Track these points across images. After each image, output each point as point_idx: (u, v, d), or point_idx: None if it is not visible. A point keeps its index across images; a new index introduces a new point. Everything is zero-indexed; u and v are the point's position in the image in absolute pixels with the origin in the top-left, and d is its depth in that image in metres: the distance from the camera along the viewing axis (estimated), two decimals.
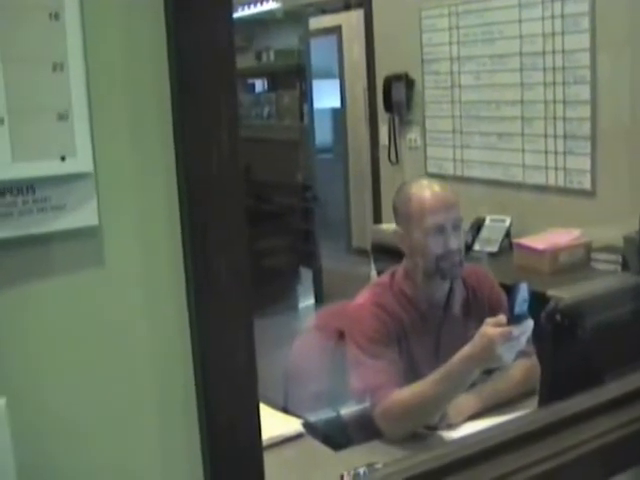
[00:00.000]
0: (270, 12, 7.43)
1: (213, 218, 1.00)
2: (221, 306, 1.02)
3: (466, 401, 2.41)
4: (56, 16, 0.86)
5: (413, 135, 5.97)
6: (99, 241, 0.94)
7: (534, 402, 2.19)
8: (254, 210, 6.47)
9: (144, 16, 0.94)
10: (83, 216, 0.92)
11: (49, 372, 0.93)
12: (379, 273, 4.37)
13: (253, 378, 1.07)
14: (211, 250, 1.00)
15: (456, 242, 2.47)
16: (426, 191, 2.51)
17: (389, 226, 3.62)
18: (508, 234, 4.78)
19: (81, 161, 0.90)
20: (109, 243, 0.94)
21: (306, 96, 7.02)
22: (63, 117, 0.88)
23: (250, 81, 8.14)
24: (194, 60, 0.96)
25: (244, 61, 7.54)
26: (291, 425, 2.42)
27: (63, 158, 0.89)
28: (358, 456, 2.23)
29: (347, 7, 7.27)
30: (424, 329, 2.53)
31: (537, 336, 2.21)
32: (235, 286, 1.03)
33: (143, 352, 0.99)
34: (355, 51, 7.33)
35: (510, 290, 2.21)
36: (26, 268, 0.90)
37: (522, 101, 4.89)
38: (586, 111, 4.48)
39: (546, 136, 4.77)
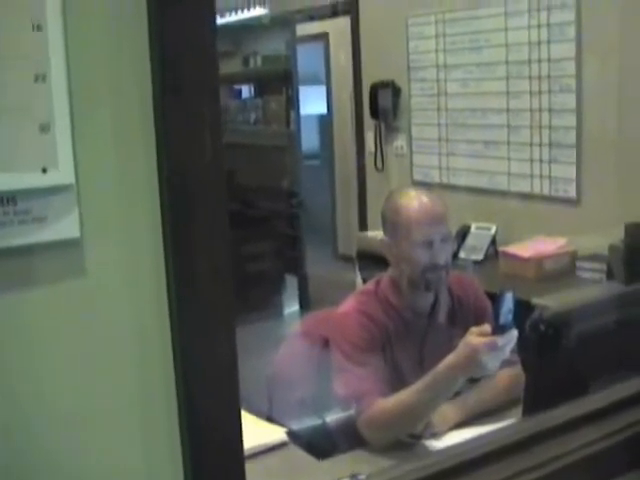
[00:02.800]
0: (257, 18, 7.43)
1: (195, 226, 1.00)
2: (202, 313, 1.02)
3: (450, 410, 2.40)
4: (38, 27, 0.86)
5: (399, 142, 5.97)
6: (81, 252, 0.93)
7: (518, 411, 2.19)
8: (240, 216, 6.46)
9: (127, 26, 0.93)
10: (64, 228, 0.91)
11: (30, 381, 0.93)
12: (364, 280, 4.37)
13: (234, 383, 1.07)
14: (193, 258, 1.00)
15: (443, 257, 2.46)
16: (414, 203, 2.48)
17: (375, 233, 3.62)
18: (494, 242, 4.78)
19: (63, 173, 0.89)
20: (91, 254, 0.94)
21: (293, 102, 7.02)
22: (45, 129, 0.88)
23: (237, 87, 8.13)
24: (176, 66, 0.96)
25: (231, 66, 7.54)
26: (275, 434, 2.41)
27: (45, 170, 0.89)
28: (342, 465, 2.23)
29: (334, 14, 7.27)
30: (409, 337, 2.53)
31: (522, 345, 2.21)
32: (217, 292, 1.03)
33: (125, 359, 1.00)
34: (342, 58, 7.33)
35: (495, 300, 2.20)
36: (7, 279, 0.90)
37: (508, 109, 4.90)
38: (572, 120, 4.50)
39: (532, 144, 4.78)
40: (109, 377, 0.99)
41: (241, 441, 1.09)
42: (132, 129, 0.95)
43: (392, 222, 2.54)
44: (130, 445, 1.02)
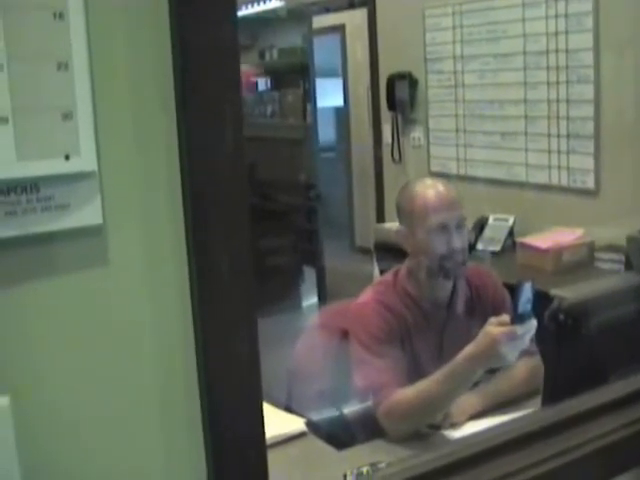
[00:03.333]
0: (274, 11, 7.43)
1: (217, 216, 1.00)
2: (224, 304, 1.02)
3: (469, 400, 2.41)
4: (60, 16, 0.86)
5: (416, 134, 5.96)
6: (103, 240, 0.94)
7: (537, 402, 2.19)
8: (257, 209, 6.47)
9: (148, 15, 0.94)
10: (87, 215, 0.92)
11: (52, 371, 0.93)
12: (382, 272, 4.37)
13: (256, 376, 1.07)
14: (215, 249, 1.00)
15: (459, 241, 2.47)
16: (429, 190, 2.51)
17: (392, 225, 3.62)
18: (511, 233, 4.78)
19: (85, 160, 0.90)
20: (113, 242, 0.94)
21: (309, 95, 7.01)
22: (67, 116, 0.88)
23: (253, 79, 8.13)
24: (198, 59, 0.96)
25: (247, 60, 7.54)
26: (294, 424, 2.42)
27: (67, 157, 0.89)
28: (361, 455, 2.23)
29: (351, 6, 7.27)
30: (427, 328, 2.53)
31: (540, 335, 2.21)
32: (238, 284, 1.03)
33: (146, 351, 0.99)
34: (358, 50, 7.33)
35: (514, 289, 2.20)
36: (30, 267, 0.90)
37: (525, 100, 4.89)
38: (589, 110, 4.48)
39: (549, 135, 4.77)
40: (130, 368, 0.98)
41: (263, 434, 1.09)
42: (153, 118, 0.96)
43: (408, 210, 2.55)
44: (151, 441, 1.01)
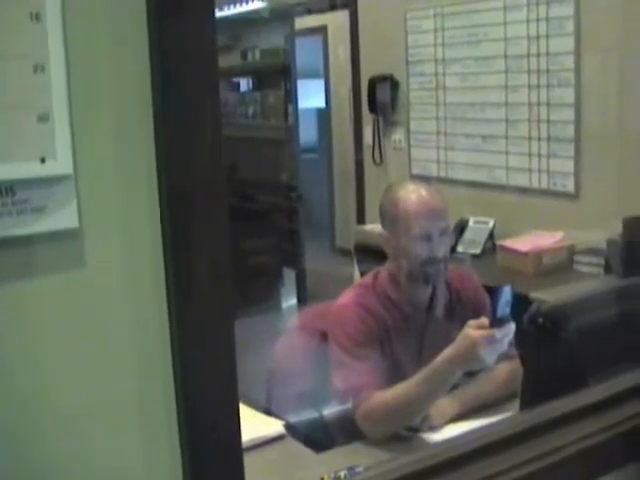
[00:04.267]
0: (256, 11, 7.42)
1: (195, 218, 1.00)
2: (201, 306, 1.02)
3: (448, 403, 2.41)
4: (37, 16, 0.86)
5: (397, 136, 5.97)
6: (80, 243, 0.93)
7: (516, 405, 2.19)
8: (238, 209, 6.46)
9: (126, 16, 0.93)
10: (63, 218, 0.91)
11: (30, 372, 0.93)
12: (362, 274, 4.37)
13: (233, 378, 1.07)
14: (192, 250, 1.00)
15: (442, 250, 2.46)
16: (413, 196, 2.48)
17: (373, 227, 3.62)
18: (492, 236, 4.79)
19: (61, 163, 0.89)
20: (90, 245, 0.94)
21: (291, 96, 7.01)
22: (43, 118, 0.87)
23: (235, 80, 8.12)
24: (176, 60, 0.95)
25: (229, 60, 7.53)
26: (273, 426, 2.42)
27: (43, 160, 0.88)
28: (339, 458, 2.23)
29: (333, 7, 7.28)
30: (407, 331, 2.53)
31: (520, 339, 2.21)
32: (216, 286, 1.03)
33: (124, 352, 0.99)
34: (340, 51, 7.33)
35: (493, 293, 2.21)
36: (6, 269, 0.89)
37: (507, 103, 4.91)
38: (570, 114, 4.50)
39: (530, 138, 4.79)
40: (107, 371, 0.98)
41: (240, 436, 1.09)
42: (131, 120, 0.95)
43: (391, 216, 2.54)
44: (128, 439, 1.01)
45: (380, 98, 5.95)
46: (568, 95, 4.49)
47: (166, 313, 1.01)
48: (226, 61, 7.43)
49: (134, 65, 0.94)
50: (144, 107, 0.95)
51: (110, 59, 0.93)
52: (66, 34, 0.88)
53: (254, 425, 2.34)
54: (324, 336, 2.59)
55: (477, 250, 4.74)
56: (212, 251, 1.02)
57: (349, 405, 2.41)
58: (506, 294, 2.13)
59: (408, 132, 5.83)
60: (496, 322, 2.14)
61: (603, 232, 3.76)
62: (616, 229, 3.54)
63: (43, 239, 0.91)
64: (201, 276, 1.01)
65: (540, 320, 1.98)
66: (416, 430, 2.36)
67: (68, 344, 0.95)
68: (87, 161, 0.92)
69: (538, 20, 4.60)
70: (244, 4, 7.45)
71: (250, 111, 7.64)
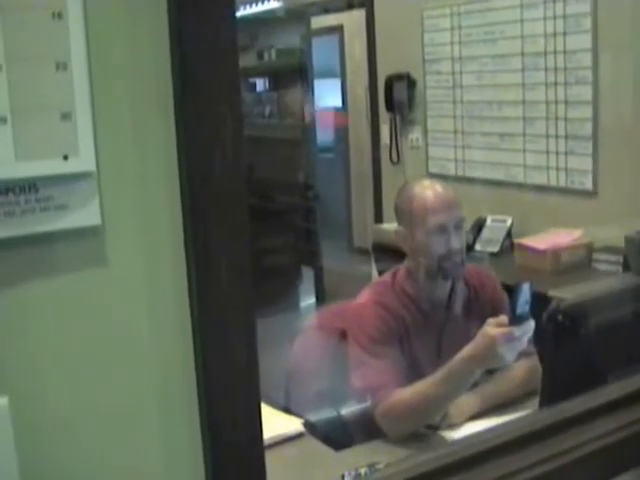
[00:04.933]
0: (272, 11, 7.43)
1: (216, 217, 1.00)
2: (223, 305, 1.02)
3: (467, 401, 2.40)
4: (59, 15, 0.86)
5: (415, 135, 5.96)
6: (102, 240, 0.94)
7: (535, 403, 2.19)
8: (255, 209, 6.41)
9: (147, 15, 0.94)
10: (86, 215, 0.92)
11: (51, 372, 0.93)
12: (380, 273, 4.37)
13: (255, 378, 1.07)
14: (213, 250, 1.00)
15: (458, 242, 2.47)
16: (428, 191, 2.51)
17: (390, 226, 3.62)
18: (509, 234, 4.77)
19: (84, 160, 0.90)
20: (112, 242, 0.94)
21: (308, 95, 7.01)
22: (66, 116, 0.88)
23: (252, 80, 8.13)
24: (197, 59, 0.96)
25: (246, 60, 7.53)
26: (292, 425, 2.42)
27: (66, 157, 0.89)
28: (359, 456, 2.23)
29: (349, 6, 7.27)
30: (426, 329, 2.53)
31: (539, 336, 2.20)
32: (237, 286, 1.03)
33: (145, 351, 0.99)
34: (357, 50, 7.32)
35: (512, 290, 2.20)
36: (29, 267, 0.90)
37: (524, 101, 4.89)
38: (588, 111, 4.48)
39: (547, 136, 4.77)
40: (129, 369, 0.98)
41: (261, 435, 1.09)
42: (152, 118, 0.96)
43: (406, 212, 2.55)
44: (150, 441, 1.01)
45: (397, 97, 5.94)
46: (585, 92, 4.47)
47: (188, 312, 1.01)
48: (242, 61, 7.40)
49: (155, 63, 0.95)
50: (165, 105, 0.96)
51: (131, 57, 0.93)
52: (87, 32, 0.89)
53: (273, 423, 2.35)
54: (343, 335, 2.60)
55: (495, 248, 4.73)
56: (233, 250, 1.02)
57: (368, 403, 2.42)
58: (525, 292, 2.13)
59: (425, 131, 5.82)
60: (515, 320, 2.14)
61: (621, 229, 3.73)
62: (634, 226, 3.52)
63: (66, 236, 0.92)
64: (222, 275, 1.01)
65: (559, 318, 1.97)
66: (435, 428, 2.36)
67: (89, 342, 0.95)
68: (109, 158, 0.92)
69: (555, 17, 4.58)
70: (260, 4, 7.46)
71: (267, 111, 7.65)
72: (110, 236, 0.94)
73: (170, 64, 0.95)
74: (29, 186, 0.88)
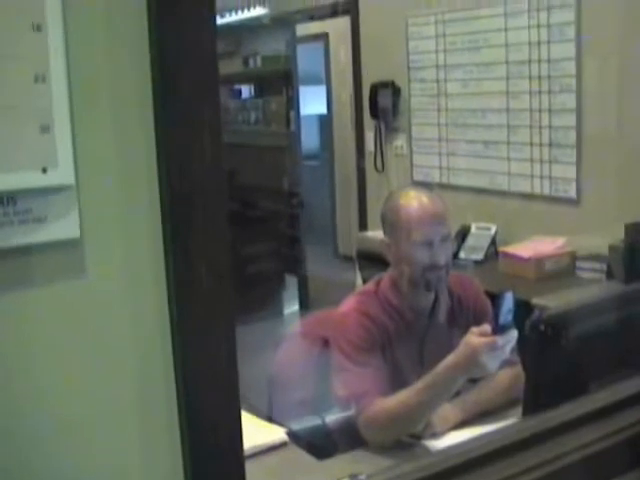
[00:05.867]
0: (257, 18, 7.44)
1: (195, 227, 1.00)
2: (202, 312, 1.02)
3: (450, 410, 2.40)
4: (38, 27, 0.86)
5: (399, 142, 5.97)
6: (81, 252, 0.94)
7: (518, 411, 2.19)
8: (240, 216, 6.46)
9: (127, 26, 0.93)
10: (64, 228, 0.91)
11: (30, 380, 0.93)
12: (364, 280, 4.37)
13: (234, 383, 1.07)
14: (193, 259, 1.00)
15: (443, 256, 2.45)
16: (414, 203, 2.48)
17: (375, 233, 3.62)
18: (494, 242, 4.78)
19: (63, 173, 0.90)
20: (91, 254, 0.94)
21: (293, 102, 7.02)
22: (45, 129, 0.88)
23: (237, 87, 8.13)
24: (177, 67, 0.96)
25: (231, 67, 7.54)
26: (275, 434, 2.41)
27: (44, 170, 0.89)
28: (342, 465, 2.22)
29: (334, 14, 7.27)
30: (409, 337, 2.53)
31: (522, 345, 2.21)
32: (217, 292, 1.03)
33: (125, 359, 1.00)
34: (342, 58, 7.34)
35: (495, 300, 2.21)
36: (7, 279, 0.90)
37: (508, 109, 4.91)
38: (572, 120, 4.50)
39: (532, 144, 4.78)
40: (109, 378, 0.99)
41: (241, 442, 1.09)
42: (132, 130, 0.95)
43: (392, 222, 2.53)
44: (130, 447, 1.02)
45: (382, 104, 5.94)
46: (569, 101, 4.49)
47: (167, 321, 1.01)
48: (228, 68, 7.44)
49: (135, 75, 0.94)
50: (145, 116, 0.95)
51: (111, 69, 0.93)
52: (67, 44, 0.89)
53: (256, 432, 2.34)
54: (326, 343, 2.59)
55: (479, 256, 4.74)
56: (214, 259, 1.02)
57: (351, 412, 2.41)
58: (508, 301, 2.13)
59: (410, 138, 5.83)
60: (498, 329, 2.14)
61: (605, 238, 3.75)
62: (618, 235, 3.54)
63: (44, 249, 0.91)
64: (203, 285, 1.01)
65: (542, 327, 1.98)
66: (418, 437, 2.36)
67: (69, 352, 0.95)
68: (88, 171, 0.92)
69: (539, 26, 4.60)
70: (246, 11, 7.47)
71: (252, 118, 7.65)
72: (89, 248, 0.94)
73: (150, 74, 0.95)
74: (7, 199, 0.88)
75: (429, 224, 2.45)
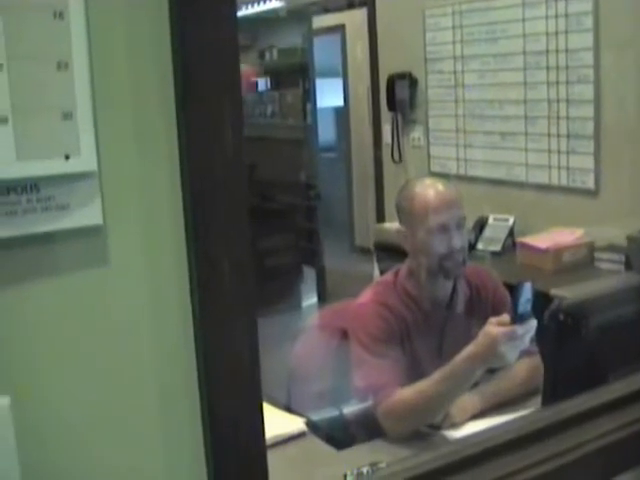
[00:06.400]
0: (273, 11, 7.43)
1: (217, 217, 1.00)
2: (225, 305, 1.02)
3: (469, 400, 2.40)
4: (60, 15, 0.86)
5: (416, 134, 5.96)
6: (103, 240, 0.94)
7: (537, 401, 2.19)
8: (257, 209, 6.47)
9: (148, 15, 0.94)
10: (87, 215, 0.92)
11: (53, 371, 0.93)
12: (382, 272, 4.37)
13: (256, 377, 1.07)
14: (215, 249, 1.00)
15: (459, 241, 2.47)
16: (429, 190, 2.50)
17: (392, 225, 3.62)
18: (511, 233, 4.78)
19: (85, 160, 0.90)
20: (113, 242, 0.94)
21: (309, 95, 7.02)
22: (67, 116, 0.88)
23: (253, 80, 8.13)
24: (198, 59, 0.96)
25: (247, 60, 7.54)
26: (294, 424, 2.42)
27: (67, 157, 0.89)
28: (361, 455, 2.23)
29: (351, 6, 7.27)
30: (427, 328, 2.53)
31: (540, 335, 2.20)
32: (239, 285, 1.03)
33: (146, 351, 0.99)
34: (358, 50, 7.33)
35: (513, 289, 2.20)
36: (30, 267, 0.90)
37: (525, 100, 4.89)
38: (589, 110, 4.48)
39: (549, 135, 4.77)
40: (130, 368, 0.98)
41: (263, 434, 1.09)
42: (153, 117, 0.96)
43: (407, 211, 2.54)
44: (151, 441, 1.01)
45: (399, 96, 5.94)
46: (587, 91, 4.47)
47: (189, 310, 1.01)
48: (244, 61, 7.44)
49: (156, 63, 0.95)
50: (166, 104, 0.96)
51: (132, 56, 0.93)
52: (89, 32, 0.89)
53: (275, 422, 2.35)
54: (344, 334, 2.59)
55: (497, 247, 4.74)
56: (235, 249, 1.02)
57: (370, 403, 2.41)
58: (527, 291, 2.13)
59: (427, 130, 5.82)
60: (517, 319, 2.13)
61: (623, 229, 3.74)
62: (636, 225, 3.53)
63: (67, 236, 0.92)
64: (224, 274, 1.01)
65: (561, 317, 1.97)
66: (437, 427, 2.36)
67: (91, 342, 0.95)
68: (111, 158, 0.92)
69: (557, 16, 4.58)
70: (262, 3, 7.47)
71: (268, 111, 7.66)
72: (111, 236, 0.94)
73: (172, 63, 0.95)
74: (30, 186, 0.88)
75: (444, 209, 2.46)
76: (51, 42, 0.87)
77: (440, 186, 2.52)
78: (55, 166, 0.89)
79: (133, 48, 0.93)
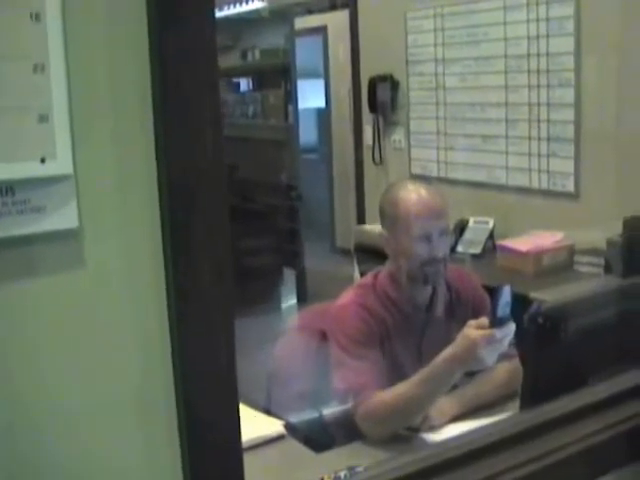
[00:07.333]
0: (256, 11, 7.43)
1: (195, 219, 1.00)
2: (202, 305, 1.02)
3: (448, 403, 2.40)
4: (37, 17, 0.86)
5: (397, 136, 5.97)
6: (79, 243, 0.93)
7: (516, 405, 2.19)
8: (238, 209, 6.46)
9: (126, 17, 0.93)
10: (63, 218, 0.91)
11: (31, 371, 0.92)
12: (362, 274, 4.37)
13: (233, 379, 1.07)
14: (192, 250, 1.00)
15: (441, 250, 2.45)
16: (413, 196, 2.47)
17: (373, 227, 3.62)
18: (491, 236, 4.78)
19: (61, 163, 0.89)
20: (90, 245, 0.94)
21: (291, 96, 7.02)
22: (43, 119, 0.87)
23: (235, 80, 8.12)
24: (176, 61, 0.95)
25: (229, 60, 7.53)
26: (273, 426, 2.41)
27: (43, 160, 0.88)
28: (339, 458, 2.22)
29: (333, 7, 7.28)
30: (407, 330, 2.53)
31: (520, 338, 2.21)
32: (217, 286, 1.02)
33: (123, 352, 1.00)
34: (340, 51, 7.33)
35: (493, 293, 2.20)
36: (6, 269, 0.89)
37: (506, 103, 4.91)
38: (570, 114, 4.50)
39: (530, 138, 4.78)
40: (107, 369, 0.98)
41: (239, 436, 1.09)
42: (131, 120, 0.95)
43: (391, 216, 2.53)
44: (128, 440, 1.01)
45: (380, 98, 5.95)
46: (568, 95, 4.49)
47: (166, 312, 1.01)
48: (226, 61, 7.43)
49: (134, 65, 0.94)
50: (144, 107, 0.95)
51: (110, 59, 0.93)
52: (66, 34, 0.88)
53: (254, 425, 2.34)
54: (324, 336, 2.59)
55: (477, 250, 4.74)
56: (213, 250, 1.02)
57: (349, 405, 2.41)
58: (506, 294, 2.13)
59: (408, 132, 5.83)
60: (496, 322, 2.14)
61: (603, 232, 3.76)
62: (616, 229, 3.54)
63: (43, 239, 0.91)
64: (201, 275, 1.01)
65: (540, 320, 1.98)
66: (416, 430, 2.36)
67: (68, 344, 0.95)
68: (87, 161, 0.92)
69: (538, 20, 4.60)
70: (244, 4, 7.46)
71: (250, 111, 7.65)
72: (88, 238, 0.94)
73: (149, 64, 0.95)
74: (6, 189, 0.88)
75: (428, 218, 2.44)
76: (27, 44, 0.86)
77: (424, 192, 2.49)
78: (31, 169, 0.88)
79: (111, 50, 0.93)
